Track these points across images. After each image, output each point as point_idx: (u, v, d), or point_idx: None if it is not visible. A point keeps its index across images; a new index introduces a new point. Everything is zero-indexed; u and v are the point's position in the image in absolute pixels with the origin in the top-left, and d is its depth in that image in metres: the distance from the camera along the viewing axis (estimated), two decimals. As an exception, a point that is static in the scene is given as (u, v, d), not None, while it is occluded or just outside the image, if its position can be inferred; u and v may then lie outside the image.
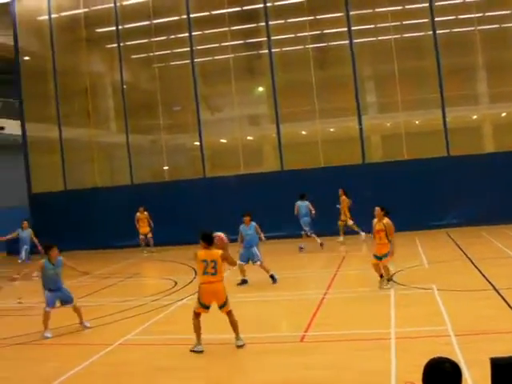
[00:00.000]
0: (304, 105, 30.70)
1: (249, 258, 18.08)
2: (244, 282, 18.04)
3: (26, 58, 36.21)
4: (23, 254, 23.95)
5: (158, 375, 10.39)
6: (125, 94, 33.16)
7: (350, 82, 29.45)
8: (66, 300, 14.10)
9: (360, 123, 29.27)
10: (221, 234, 11.93)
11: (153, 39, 33.13)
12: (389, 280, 15.67)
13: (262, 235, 18.61)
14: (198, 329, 11.49)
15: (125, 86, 33.43)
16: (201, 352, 11.27)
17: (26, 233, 24.16)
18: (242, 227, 18.41)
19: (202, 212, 28.97)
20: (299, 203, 25.79)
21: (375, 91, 32.24)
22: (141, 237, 28.05)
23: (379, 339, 11.09)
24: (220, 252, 11.41)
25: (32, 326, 14.65)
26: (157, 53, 33.54)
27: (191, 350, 11.34)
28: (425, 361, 4.43)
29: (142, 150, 33.69)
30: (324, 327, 12.37)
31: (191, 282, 18.41)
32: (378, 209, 15.51)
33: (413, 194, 27.32)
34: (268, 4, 30.65)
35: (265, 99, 32.91)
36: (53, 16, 34.62)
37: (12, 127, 36.04)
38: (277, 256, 23.66)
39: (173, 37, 33.61)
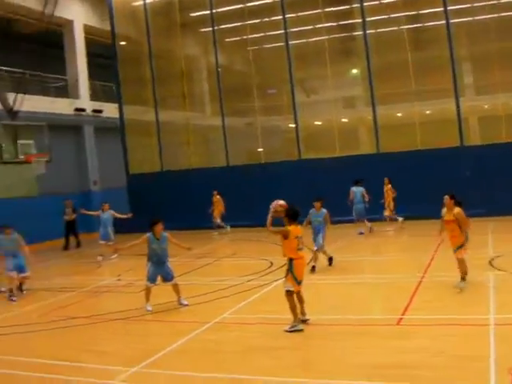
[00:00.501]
0: (400, 87, 30.18)
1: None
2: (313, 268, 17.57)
3: (123, 42, 36.88)
4: (106, 235, 24.40)
5: (252, 354, 10.48)
6: (220, 77, 33.35)
7: (446, 63, 28.72)
8: (167, 277, 14.49)
9: (457, 105, 28.60)
10: (279, 201, 12.05)
11: (246, 22, 33.17)
12: (463, 279, 13.97)
13: (329, 223, 18.21)
14: (295, 307, 11.54)
15: (219, 69, 33.58)
16: (301, 330, 11.31)
17: (107, 214, 24.55)
18: (312, 211, 17.95)
19: (297, 194, 28.70)
20: (354, 189, 25.65)
21: (472, 72, 31.42)
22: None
23: (477, 325, 10.88)
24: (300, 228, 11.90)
25: (131, 302, 15.17)
26: (251, 36, 33.53)
27: (288, 331, 11.37)
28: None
29: (237, 132, 33.82)
30: (421, 311, 12.20)
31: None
32: (447, 197, 14.16)
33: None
34: (362, -16, 30.22)
35: (360, 81, 32.55)
36: (148, 1, 35.10)
37: (110, 110, 36.87)
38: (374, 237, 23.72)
39: (266, 19, 33.48)
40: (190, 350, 10.99)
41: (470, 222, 14.19)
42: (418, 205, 25.20)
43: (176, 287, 14.60)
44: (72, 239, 30.39)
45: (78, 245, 30.36)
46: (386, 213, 25.91)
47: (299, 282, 11.61)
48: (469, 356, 9.29)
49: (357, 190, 25.56)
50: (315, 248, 17.66)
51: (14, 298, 17.32)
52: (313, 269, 17.20)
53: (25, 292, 18.45)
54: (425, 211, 24.35)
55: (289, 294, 11.57)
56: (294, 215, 11.72)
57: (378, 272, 17.16)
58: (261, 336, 11.47)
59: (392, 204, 25.79)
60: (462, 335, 10.43)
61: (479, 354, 9.31)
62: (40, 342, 12.41)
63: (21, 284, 18.58)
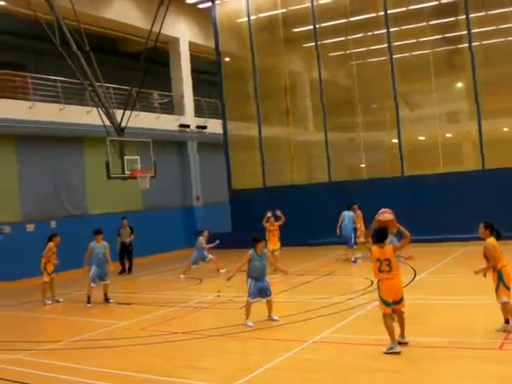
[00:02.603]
0: (506, 100, 29.36)
1: None
2: None
3: (227, 59, 37.39)
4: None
5: (348, 375, 10.33)
6: (323, 92, 33.29)
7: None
8: (265, 292, 14.65)
9: None
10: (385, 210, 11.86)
11: (350, 37, 33.05)
12: (507, 322, 12.00)
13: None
14: (391, 328, 11.31)
15: (322, 84, 33.54)
16: (398, 353, 11.06)
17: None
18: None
19: (399, 210, 28.41)
20: (345, 213, 24.99)
21: None
22: None
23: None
24: (391, 248, 11.47)
25: (230, 319, 15.22)
26: (354, 50, 33.37)
27: (386, 352, 11.15)
28: None
29: (339, 147, 33.58)
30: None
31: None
32: (481, 226, 12.17)
33: None
34: (468, -4, 29.60)
35: (464, 95, 31.85)
36: (252, 18, 35.46)
37: (213, 126, 37.45)
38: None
39: (370, 34, 33.29)
40: (287, 369, 10.92)
41: (499, 258, 11.83)
42: None
43: (270, 303, 14.79)
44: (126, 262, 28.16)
45: (130, 270, 28.06)
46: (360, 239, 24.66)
47: (387, 304, 11.38)
48: None
49: (347, 215, 24.93)
50: None
51: (88, 305, 18.93)
52: None
53: (112, 301, 19.43)
54: None
55: (383, 315, 11.44)
56: (375, 236, 11.65)
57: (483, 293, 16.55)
58: (360, 357, 11.27)
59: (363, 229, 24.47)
60: None
61: None
62: (140, 355, 12.61)
63: (105, 294, 19.64)
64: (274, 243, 23.53)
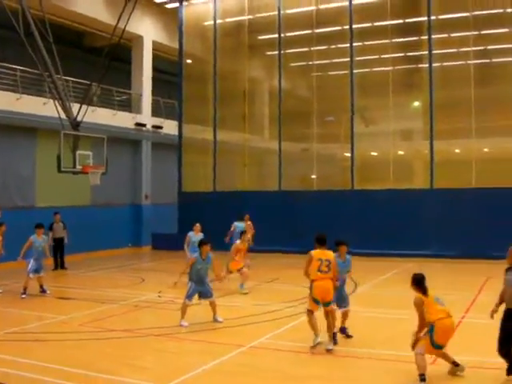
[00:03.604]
0: (460, 122, 29.82)
1: None
2: None
3: (189, 60, 37.35)
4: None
5: (280, 381, 10.57)
6: (281, 101, 33.45)
7: (510, 100, 28.44)
8: (206, 294, 14.95)
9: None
10: None
11: (313, 48, 33.31)
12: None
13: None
14: (314, 324, 12.23)
15: (281, 93, 33.71)
16: (318, 344, 12.02)
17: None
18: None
19: (347, 223, 28.89)
20: (236, 223, 25.22)
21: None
22: None
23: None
24: (332, 253, 12.58)
25: (169, 319, 15.31)
26: (316, 62, 33.62)
27: (312, 346, 12.05)
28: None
29: (292, 157, 33.80)
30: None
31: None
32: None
33: None
34: (432, 17, 29.98)
35: (420, 114, 32.32)
36: (218, 21, 35.56)
37: (169, 127, 37.35)
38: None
39: (333, 47, 33.59)
40: (222, 372, 11.03)
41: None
42: (470, 243, 25.03)
43: (213, 304, 15.05)
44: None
45: (62, 266, 27.04)
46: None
47: (317, 302, 12.21)
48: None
49: (239, 225, 25.10)
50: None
51: (23, 296, 19.08)
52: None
53: (48, 292, 19.76)
54: (474, 250, 24.19)
55: (308, 312, 12.32)
56: (317, 240, 12.61)
57: (394, 307, 16.10)
58: (294, 364, 11.50)
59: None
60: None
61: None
62: (77, 351, 12.57)
63: (41, 286, 19.97)
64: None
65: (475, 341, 12.58)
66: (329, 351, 12.04)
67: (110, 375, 10.71)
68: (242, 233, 21.24)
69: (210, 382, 10.48)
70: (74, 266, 27.07)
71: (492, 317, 10.24)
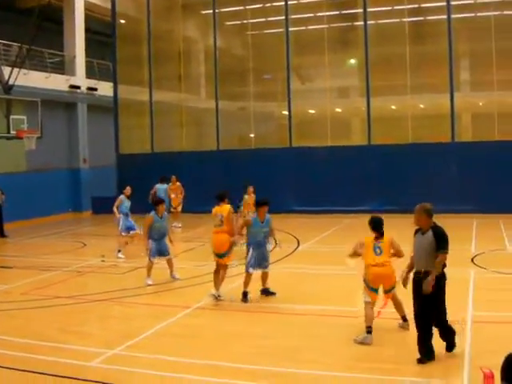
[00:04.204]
0: (396, 79, 30.18)
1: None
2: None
3: (122, 21, 36.70)
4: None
5: (226, 340, 10.71)
6: (217, 60, 33.24)
7: (444, 58, 28.72)
8: (163, 253, 15.45)
9: (452, 100, 28.58)
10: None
11: (248, 7, 33.13)
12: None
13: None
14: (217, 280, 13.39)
15: (217, 52, 33.50)
16: (218, 297, 12.97)
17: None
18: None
19: (286, 181, 29.14)
20: (158, 186, 25.83)
21: (470, 69, 31.30)
22: None
23: (454, 322, 10.80)
24: (228, 208, 13.65)
25: (114, 283, 15.30)
26: (251, 20, 33.52)
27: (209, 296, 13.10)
28: (500, 347, 4.33)
29: (230, 116, 33.79)
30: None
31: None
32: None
33: (504, 177, 26.60)
34: (366, -25, 30.07)
35: (356, 72, 32.59)
36: (151, -19, 34.93)
37: (104, 89, 36.71)
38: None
39: (268, 5, 33.40)
40: (169, 334, 11.12)
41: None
42: (405, 198, 25.48)
43: (170, 262, 15.64)
44: None
45: (2, 234, 26.39)
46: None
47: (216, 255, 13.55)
48: (443, 352, 9.33)
49: (160, 187, 25.71)
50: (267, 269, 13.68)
51: None
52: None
53: None
54: (411, 206, 24.57)
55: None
56: (216, 197, 13.87)
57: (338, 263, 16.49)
58: (238, 323, 11.78)
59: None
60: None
61: (454, 351, 9.36)
62: (22, 320, 12.46)
63: None
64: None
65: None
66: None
67: (57, 343, 10.62)
68: (239, 207, 22.06)
69: (157, 345, 10.51)
70: (14, 234, 26.54)
71: (405, 286, 9.60)
